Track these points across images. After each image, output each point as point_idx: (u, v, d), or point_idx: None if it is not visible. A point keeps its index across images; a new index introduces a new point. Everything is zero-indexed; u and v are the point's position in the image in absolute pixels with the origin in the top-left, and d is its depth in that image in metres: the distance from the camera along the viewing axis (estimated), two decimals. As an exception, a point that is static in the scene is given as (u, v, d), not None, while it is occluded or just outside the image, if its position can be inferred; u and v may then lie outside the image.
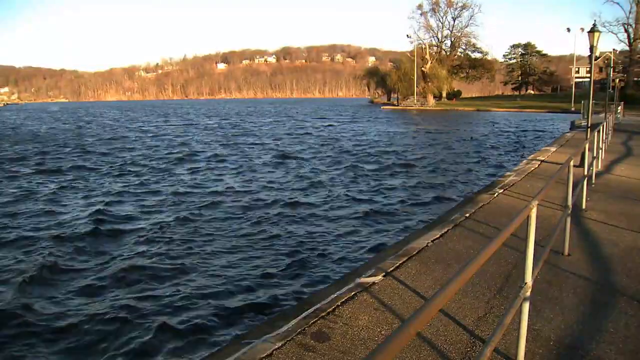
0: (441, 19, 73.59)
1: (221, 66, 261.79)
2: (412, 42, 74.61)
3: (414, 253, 4.88)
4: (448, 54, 74.31)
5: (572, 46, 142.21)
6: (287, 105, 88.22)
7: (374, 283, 4.13)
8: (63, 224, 8.43)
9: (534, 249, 2.62)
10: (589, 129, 11.19)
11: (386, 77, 74.37)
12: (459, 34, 73.47)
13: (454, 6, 72.24)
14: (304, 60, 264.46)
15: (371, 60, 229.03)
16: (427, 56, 69.11)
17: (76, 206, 9.89)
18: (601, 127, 9.56)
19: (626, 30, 54.32)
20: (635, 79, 57.30)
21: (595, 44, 11.14)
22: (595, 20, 11.96)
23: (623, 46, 57.76)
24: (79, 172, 14.30)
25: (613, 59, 50.69)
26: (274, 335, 3.30)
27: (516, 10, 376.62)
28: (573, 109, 44.99)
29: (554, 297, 3.82)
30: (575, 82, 62.07)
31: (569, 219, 4.66)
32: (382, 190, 11.24)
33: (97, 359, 4.22)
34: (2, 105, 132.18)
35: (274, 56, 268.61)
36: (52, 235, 7.59)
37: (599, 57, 58.60)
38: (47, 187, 11.88)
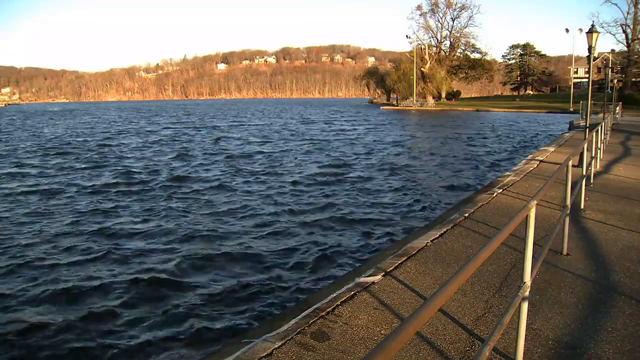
0: (440, 20, 73.75)
1: (221, 66, 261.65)
2: (411, 43, 74.86)
3: (414, 253, 4.90)
4: (447, 54, 74.37)
5: (570, 47, 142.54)
6: (297, 107, 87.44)
7: (373, 283, 4.14)
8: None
9: (533, 249, 2.63)
10: (587, 129, 11.22)
11: (386, 77, 74.49)
12: (458, 35, 73.58)
13: (453, 7, 72.38)
14: (303, 61, 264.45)
15: (370, 60, 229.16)
16: (427, 56, 69.17)
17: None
18: (599, 127, 9.58)
19: (624, 31, 54.45)
20: (634, 79, 57.40)
21: (593, 45, 11.17)
22: (593, 21, 12.02)
23: (621, 47, 57.90)
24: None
25: (611, 60, 50.79)
26: (274, 335, 3.31)
27: (515, 11, 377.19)
28: (572, 109, 45.09)
29: (552, 296, 3.83)
30: (574, 83, 62.17)
31: (567, 219, 4.68)
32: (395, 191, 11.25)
33: (96, 358, 4.23)
34: (3, 105, 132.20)
35: (273, 56, 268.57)
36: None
37: (597, 58, 58.86)
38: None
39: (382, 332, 3.31)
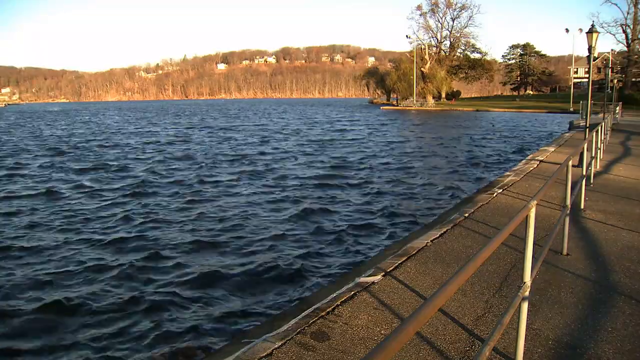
0: (440, 20, 73.76)
1: (221, 66, 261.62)
2: (411, 43, 74.89)
3: (414, 253, 4.89)
4: (447, 54, 74.38)
5: (570, 47, 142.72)
6: (297, 107, 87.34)
7: (373, 283, 4.14)
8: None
9: (533, 249, 2.63)
10: (587, 129, 11.22)
11: (386, 77, 74.50)
12: (458, 35, 73.60)
13: (453, 7, 72.39)
14: (303, 61, 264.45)
15: (370, 60, 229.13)
16: (427, 56, 69.18)
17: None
18: (599, 128, 9.58)
19: (624, 31, 54.45)
20: (634, 79, 57.41)
21: (593, 45, 11.18)
22: (593, 21, 12.03)
23: (621, 47, 57.90)
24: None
25: (611, 60, 50.79)
26: (274, 335, 3.31)
27: (515, 11, 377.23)
28: (572, 109, 45.09)
29: (552, 296, 3.83)
30: (574, 83, 62.17)
31: (567, 219, 4.68)
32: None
33: (95, 358, 4.23)
34: (3, 105, 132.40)
35: (273, 56, 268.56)
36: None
37: (597, 58, 58.80)
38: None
39: (382, 332, 3.31)
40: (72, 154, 19.35)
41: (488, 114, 48.85)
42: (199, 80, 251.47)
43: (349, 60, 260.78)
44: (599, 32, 11.37)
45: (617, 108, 28.40)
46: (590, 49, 11.32)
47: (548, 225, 5.59)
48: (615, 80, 55.80)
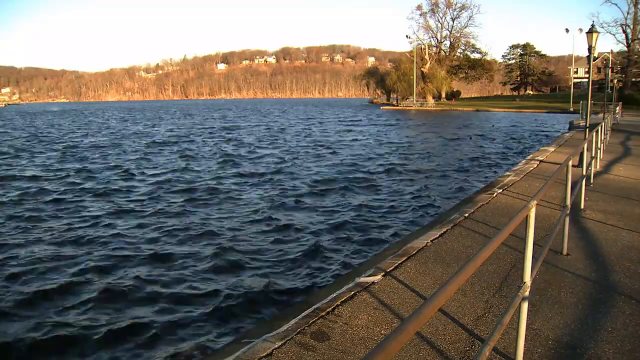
0: (440, 20, 73.79)
1: (221, 66, 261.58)
2: (411, 43, 74.91)
3: (414, 253, 4.89)
4: (447, 54, 74.38)
5: (570, 47, 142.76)
6: (297, 107, 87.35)
7: (373, 283, 4.14)
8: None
9: (533, 249, 2.63)
10: (587, 129, 11.22)
11: (386, 77, 74.55)
12: (458, 35, 73.62)
13: (453, 7, 72.41)
14: (303, 61, 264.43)
15: (370, 60, 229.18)
16: (427, 56, 69.19)
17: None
18: (599, 128, 9.58)
19: (624, 31, 54.44)
20: (634, 79, 57.40)
21: (593, 45, 11.18)
22: (593, 21, 12.03)
23: (621, 47, 57.89)
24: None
25: (611, 60, 50.80)
26: (274, 335, 3.31)
27: (515, 11, 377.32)
28: (572, 109, 45.10)
29: (552, 296, 3.83)
30: (574, 83, 62.16)
31: (567, 219, 4.68)
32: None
33: (95, 358, 4.23)
34: (3, 105, 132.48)
35: (273, 56, 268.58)
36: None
37: (597, 58, 58.81)
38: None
39: (382, 332, 3.31)
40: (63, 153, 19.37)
41: (488, 114, 48.84)
42: (199, 80, 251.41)
43: (349, 60, 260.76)
44: (599, 32, 11.36)
45: (617, 108, 28.38)
46: (590, 49, 11.33)
47: (548, 225, 5.59)
48: (615, 80, 55.83)
